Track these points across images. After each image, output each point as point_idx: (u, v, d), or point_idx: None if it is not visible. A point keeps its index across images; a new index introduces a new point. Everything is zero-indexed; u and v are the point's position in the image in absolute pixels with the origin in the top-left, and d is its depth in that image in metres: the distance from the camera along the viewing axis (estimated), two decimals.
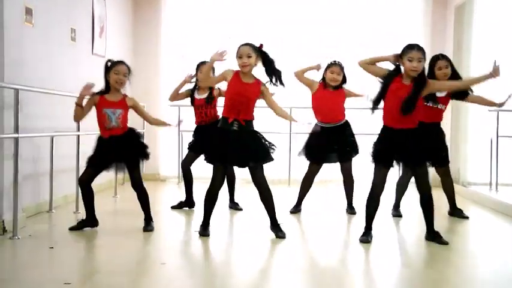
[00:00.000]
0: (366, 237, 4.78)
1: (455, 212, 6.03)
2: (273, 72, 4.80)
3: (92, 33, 7.39)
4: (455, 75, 5.60)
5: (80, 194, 5.94)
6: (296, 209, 6.18)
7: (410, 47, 4.55)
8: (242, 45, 4.79)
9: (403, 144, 4.59)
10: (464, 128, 8.30)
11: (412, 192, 7.97)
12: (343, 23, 9.05)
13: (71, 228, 5.06)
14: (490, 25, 8.18)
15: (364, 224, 4.85)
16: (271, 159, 4.89)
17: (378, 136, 4.75)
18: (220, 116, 4.92)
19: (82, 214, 5.82)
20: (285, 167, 8.51)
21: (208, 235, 4.90)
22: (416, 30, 8.87)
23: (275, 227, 4.94)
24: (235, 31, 8.93)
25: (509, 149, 7.80)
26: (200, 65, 6.16)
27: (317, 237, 5.13)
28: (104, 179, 7.17)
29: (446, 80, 5.48)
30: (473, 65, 8.14)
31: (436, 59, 5.65)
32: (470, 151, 8.26)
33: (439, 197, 5.96)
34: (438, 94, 5.55)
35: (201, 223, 4.98)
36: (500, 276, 4.07)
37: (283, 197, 6.91)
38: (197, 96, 6.24)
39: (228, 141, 4.75)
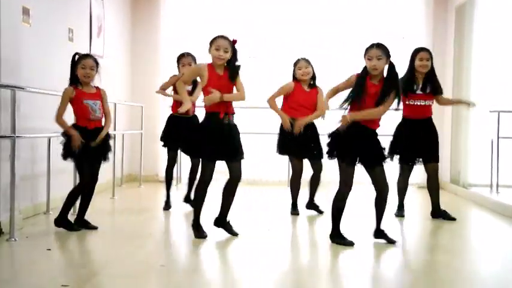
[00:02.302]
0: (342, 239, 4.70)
1: (441, 213, 5.89)
2: (233, 68, 4.81)
3: (90, 33, 7.33)
4: (432, 73, 5.74)
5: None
6: (295, 211, 6.11)
7: (369, 46, 4.60)
8: (220, 37, 4.77)
9: (363, 143, 4.57)
10: (465, 129, 8.27)
11: (412, 194, 7.94)
12: (343, 24, 9.00)
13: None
14: (490, 25, 8.14)
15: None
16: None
17: (336, 131, 4.65)
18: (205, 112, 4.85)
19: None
20: (285, 168, 8.45)
21: (205, 237, 4.85)
22: (416, 31, 8.84)
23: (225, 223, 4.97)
24: (234, 30, 8.86)
25: (510, 150, 7.76)
26: (180, 58, 6.21)
27: (318, 238, 5.09)
28: (102, 180, 7.11)
29: (425, 73, 5.70)
30: (474, 65, 8.11)
31: (418, 50, 5.76)
32: (470, 152, 8.22)
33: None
34: (418, 92, 5.71)
35: (191, 223, 4.91)
36: (500, 277, 4.03)
37: (282, 198, 6.88)
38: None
39: (222, 137, 4.76)
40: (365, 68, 4.59)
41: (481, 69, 8.15)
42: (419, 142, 5.73)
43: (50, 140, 5.80)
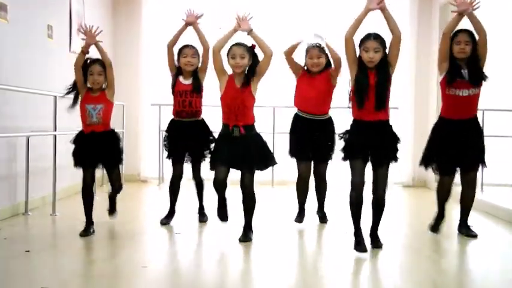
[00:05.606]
0: (361, 246, 4.35)
1: (463, 230, 5.19)
2: (253, 74, 4.66)
3: (70, 30, 7.20)
4: (475, 59, 4.79)
5: (55, 196, 5.87)
6: (300, 218, 5.48)
7: (366, 37, 4.37)
8: (235, 45, 4.64)
9: (374, 138, 4.29)
10: None
11: (397, 194, 7.92)
12: (325, 19, 8.91)
13: (82, 235, 4.82)
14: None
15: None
16: (275, 162, 4.80)
17: (347, 130, 4.41)
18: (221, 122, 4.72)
19: (59, 216, 5.72)
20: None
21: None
22: (401, 28, 8.78)
23: (245, 230, 4.74)
24: (217, 34, 8.76)
25: (494, 149, 7.74)
26: (182, 49, 5.30)
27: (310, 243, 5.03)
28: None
29: (465, 58, 4.78)
30: None
31: (456, 33, 4.83)
32: None
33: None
34: (465, 78, 4.79)
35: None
36: (486, 275, 4.03)
37: (267, 198, 6.83)
38: (182, 80, 5.33)
39: (230, 145, 4.62)
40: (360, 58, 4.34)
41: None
42: (458, 147, 5.00)
43: (28, 139, 5.69)
